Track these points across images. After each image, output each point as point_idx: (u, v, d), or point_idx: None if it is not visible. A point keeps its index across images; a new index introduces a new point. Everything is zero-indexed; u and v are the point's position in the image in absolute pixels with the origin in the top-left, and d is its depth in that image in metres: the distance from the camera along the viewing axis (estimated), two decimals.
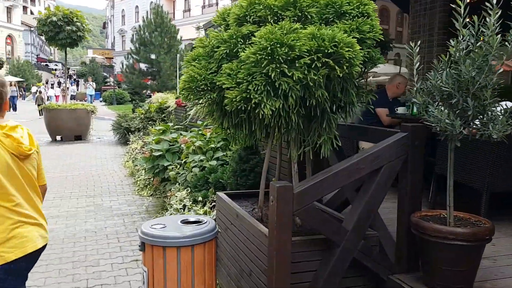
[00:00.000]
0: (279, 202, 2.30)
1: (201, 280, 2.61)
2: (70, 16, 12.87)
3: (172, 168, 5.59)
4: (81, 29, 13.10)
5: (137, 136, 10.47)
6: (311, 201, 2.42)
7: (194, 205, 4.54)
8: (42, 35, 13.95)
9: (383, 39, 2.82)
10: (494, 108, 2.29)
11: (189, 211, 4.45)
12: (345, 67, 2.49)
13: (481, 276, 2.50)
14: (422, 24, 6.44)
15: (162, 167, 5.70)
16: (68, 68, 15.83)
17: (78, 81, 42.84)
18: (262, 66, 2.47)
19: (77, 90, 35.57)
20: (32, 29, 52.62)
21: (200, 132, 5.92)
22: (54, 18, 12.67)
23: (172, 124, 7.63)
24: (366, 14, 2.73)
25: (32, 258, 2.04)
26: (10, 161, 1.94)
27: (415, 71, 2.49)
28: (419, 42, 2.63)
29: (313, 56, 2.47)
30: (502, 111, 2.26)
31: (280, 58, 2.45)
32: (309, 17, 2.73)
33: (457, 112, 2.32)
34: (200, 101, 3.05)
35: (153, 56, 22.33)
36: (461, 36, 2.30)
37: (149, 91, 24.79)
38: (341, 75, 2.52)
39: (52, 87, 32.48)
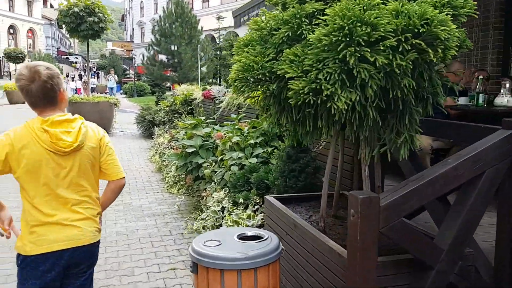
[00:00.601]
0: (363, 218, 1.87)
1: None
2: (91, 7, 12.54)
3: (207, 165, 5.18)
4: (103, 20, 12.77)
5: (163, 130, 10.13)
6: (400, 217, 1.98)
7: (235, 207, 4.14)
8: (63, 27, 13.65)
9: (476, 16, 2.34)
10: None
11: (229, 214, 4.05)
12: (439, 50, 2.03)
13: None
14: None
15: (196, 165, 5.29)
16: (89, 61, 15.58)
17: (98, 73, 42.88)
18: (338, 50, 2.03)
19: (98, 82, 35.53)
20: (52, 22, 52.85)
21: (236, 126, 5.48)
22: (76, 9, 12.35)
23: (204, 118, 7.21)
24: None
25: (49, 259, 1.91)
26: (43, 158, 1.89)
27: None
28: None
29: (400, 37, 2.02)
30: None
31: (360, 40, 2.00)
32: None
33: None
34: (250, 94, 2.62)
35: (174, 47, 21.95)
36: None
37: (169, 83, 24.46)
38: (434, 59, 2.06)
39: (73, 80, 32.42)
